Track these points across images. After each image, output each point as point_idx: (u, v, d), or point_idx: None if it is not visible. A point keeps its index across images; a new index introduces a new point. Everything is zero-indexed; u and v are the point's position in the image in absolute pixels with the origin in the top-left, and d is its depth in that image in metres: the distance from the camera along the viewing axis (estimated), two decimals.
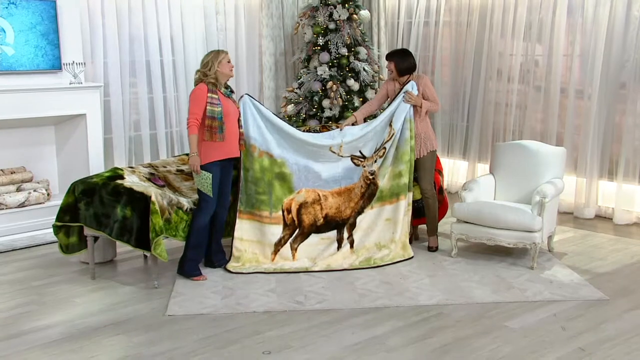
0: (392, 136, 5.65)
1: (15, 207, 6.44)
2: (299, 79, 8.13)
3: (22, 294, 5.00)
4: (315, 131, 6.13)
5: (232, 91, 5.28)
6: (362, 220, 5.65)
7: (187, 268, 5.22)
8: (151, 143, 7.75)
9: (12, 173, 6.65)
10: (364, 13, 8.06)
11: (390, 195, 5.68)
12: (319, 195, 5.57)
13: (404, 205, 5.69)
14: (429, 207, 5.87)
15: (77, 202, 5.18)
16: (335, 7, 7.89)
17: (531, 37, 7.51)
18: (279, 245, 5.49)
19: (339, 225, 5.61)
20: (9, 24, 6.39)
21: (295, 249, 5.50)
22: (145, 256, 5.66)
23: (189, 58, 7.87)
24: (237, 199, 5.51)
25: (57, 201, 6.12)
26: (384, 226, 5.67)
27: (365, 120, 5.87)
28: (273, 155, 5.51)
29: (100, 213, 5.06)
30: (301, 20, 8.17)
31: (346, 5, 7.91)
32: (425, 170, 5.80)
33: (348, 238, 5.61)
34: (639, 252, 5.95)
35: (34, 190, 6.57)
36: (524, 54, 7.59)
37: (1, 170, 6.64)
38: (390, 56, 5.82)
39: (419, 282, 5.17)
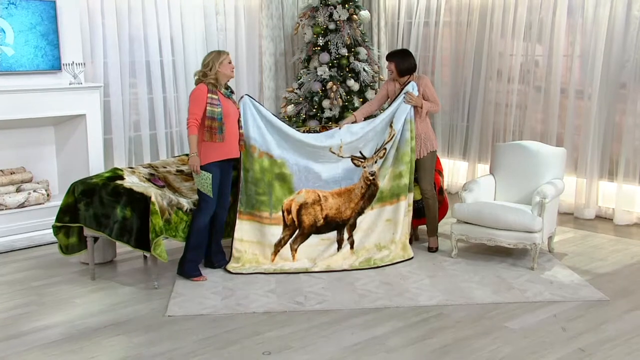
0: (392, 137, 5.64)
1: (15, 208, 6.44)
2: (299, 80, 8.12)
3: (21, 295, 5.00)
4: (315, 132, 6.12)
5: (232, 92, 5.28)
6: (362, 221, 5.64)
7: (187, 269, 5.21)
8: (151, 143, 7.75)
9: (11, 173, 6.65)
10: (364, 13, 8.06)
11: (391, 196, 5.68)
12: (319, 196, 5.56)
13: (404, 206, 5.68)
14: (429, 208, 5.86)
15: (76, 203, 5.17)
16: (335, 8, 7.89)
17: (531, 37, 7.51)
18: (279, 246, 5.48)
19: (339, 226, 5.61)
20: (8, 24, 6.39)
21: (295, 250, 5.50)
22: (145, 257, 5.66)
23: (188, 58, 7.86)
24: (237, 200, 5.51)
25: (57, 202, 6.11)
26: (384, 227, 5.67)
27: (365, 120, 5.86)
28: (273, 155, 5.51)
29: (100, 213, 5.06)
30: (301, 20, 8.17)
31: (346, 5, 7.91)
32: (425, 171, 5.80)
33: (348, 239, 5.61)
34: (639, 253, 5.94)
35: (34, 191, 6.57)
36: (524, 54, 7.59)
37: (1, 170, 6.63)
38: (390, 56, 5.82)
39: (419, 282, 5.16)
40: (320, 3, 7.96)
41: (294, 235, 5.52)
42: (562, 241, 6.27)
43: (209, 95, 5.01)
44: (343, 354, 4.00)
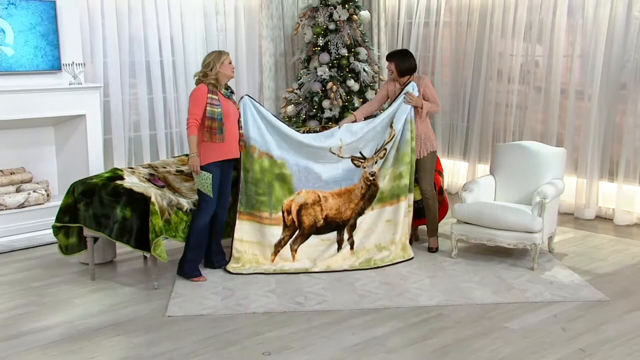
0: (392, 137, 5.64)
1: (15, 208, 6.43)
2: (299, 80, 8.12)
3: (21, 295, 5.00)
4: (315, 132, 6.12)
5: (232, 92, 5.28)
6: (363, 222, 5.64)
7: (187, 269, 5.21)
8: (151, 144, 7.74)
9: (11, 174, 6.64)
10: (364, 14, 8.05)
11: (391, 196, 5.67)
12: (319, 196, 5.56)
13: (405, 207, 5.68)
14: (429, 208, 5.86)
15: (76, 203, 5.17)
16: (335, 8, 7.89)
17: (531, 37, 7.50)
18: (279, 246, 5.48)
19: (339, 226, 5.60)
20: (8, 24, 6.39)
21: (295, 250, 5.50)
22: (145, 257, 5.66)
23: (188, 59, 7.86)
24: (237, 200, 5.51)
25: (57, 202, 6.11)
26: (384, 227, 5.66)
27: (364, 120, 5.86)
28: (273, 156, 5.50)
29: (99, 214, 5.06)
30: (301, 20, 8.16)
31: (346, 5, 7.90)
32: (425, 171, 5.80)
33: (348, 239, 5.60)
34: (639, 253, 5.96)
35: (34, 191, 6.57)
36: (524, 54, 7.59)
37: (1, 171, 6.63)
38: (390, 57, 5.82)
39: (419, 283, 5.16)
40: (320, 3, 7.96)
41: (294, 236, 5.51)
42: (562, 241, 6.26)
43: (209, 95, 5.00)
44: (343, 355, 4.00)
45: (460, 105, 8.25)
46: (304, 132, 5.80)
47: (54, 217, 5.34)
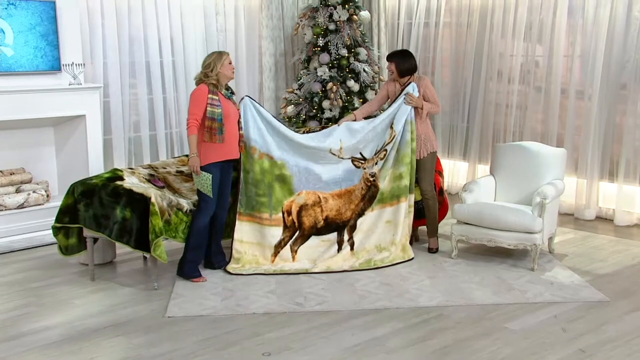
0: (393, 138, 5.63)
1: (15, 209, 6.43)
2: (299, 80, 8.12)
3: (21, 296, 4.99)
4: (315, 132, 6.11)
5: (232, 92, 5.28)
6: (363, 223, 5.64)
7: (187, 269, 5.21)
8: (151, 144, 7.74)
9: (11, 174, 6.64)
10: (364, 14, 8.05)
11: (391, 197, 5.67)
12: (319, 197, 5.55)
13: (405, 208, 5.67)
14: (429, 209, 5.86)
15: (76, 204, 5.17)
16: (335, 8, 7.88)
17: (531, 37, 7.50)
18: (279, 247, 5.47)
19: (339, 227, 5.60)
20: (8, 24, 6.38)
21: (295, 251, 5.49)
22: (145, 257, 5.65)
23: (188, 59, 7.86)
24: (237, 201, 5.50)
25: (57, 202, 6.10)
26: (385, 228, 5.66)
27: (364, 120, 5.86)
28: (273, 157, 5.50)
29: (99, 214, 5.05)
30: (301, 21, 8.16)
31: (346, 6, 7.90)
32: (425, 172, 5.79)
33: (348, 240, 5.60)
34: None
35: (33, 192, 6.56)
36: (524, 54, 7.58)
37: (0, 171, 6.63)
38: (391, 57, 5.82)
39: (419, 283, 5.16)
40: (320, 3, 7.96)
41: (294, 237, 5.51)
42: (563, 242, 6.26)
43: (210, 95, 5.00)
44: (343, 355, 3.99)
45: (461, 106, 8.25)
46: (304, 133, 5.79)
47: (54, 218, 5.33)
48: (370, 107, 5.96)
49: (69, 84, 6.67)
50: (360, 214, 5.63)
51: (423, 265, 5.57)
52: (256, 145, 5.47)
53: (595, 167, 7.02)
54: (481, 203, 5.72)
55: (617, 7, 6.73)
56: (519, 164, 5.95)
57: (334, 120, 7.78)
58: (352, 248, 5.58)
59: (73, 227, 5.29)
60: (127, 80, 7.50)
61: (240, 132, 5.26)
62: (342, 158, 5.60)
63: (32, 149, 6.93)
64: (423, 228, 6.16)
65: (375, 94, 7.75)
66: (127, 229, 4.94)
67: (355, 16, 7.90)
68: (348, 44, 7.90)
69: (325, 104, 7.84)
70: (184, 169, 5.80)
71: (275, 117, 5.63)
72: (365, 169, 5.63)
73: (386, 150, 5.65)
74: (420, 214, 5.94)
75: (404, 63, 5.73)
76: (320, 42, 7.91)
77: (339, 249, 5.56)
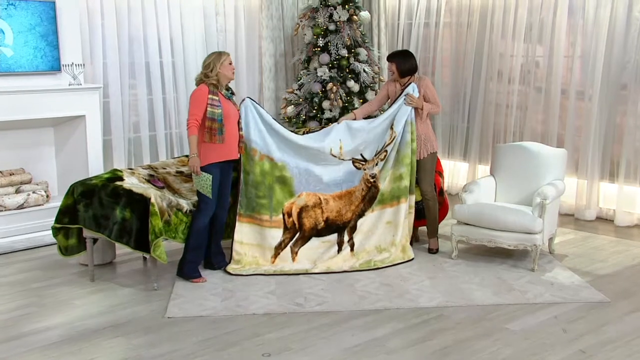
0: (393, 139, 5.63)
1: (14, 209, 6.42)
2: (299, 80, 8.12)
3: (21, 296, 4.99)
4: (315, 132, 6.10)
5: (232, 93, 5.28)
6: (363, 224, 5.63)
7: (187, 270, 5.20)
8: (150, 144, 7.74)
9: (11, 175, 6.64)
10: (364, 14, 8.05)
11: (391, 198, 5.66)
12: (319, 198, 5.55)
13: (405, 208, 5.67)
14: (429, 209, 5.85)
15: (76, 204, 5.16)
16: (335, 8, 7.88)
17: (532, 38, 7.50)
18: (279, 248, 5.47)
19: (340, 228, 5.59)
20: (8, 25, 6.38)
21: (296, 253, 5.49)
22: (145, 258, 5.64)
23: (188, 59, 7.85)
24: (237, 201, 5.50)
25: (56, 203, 6.10)
26: (385, 229, 5.65)
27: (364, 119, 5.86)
28: (274, 158, 5.49)
29: (99, 215, 5.05)
30: (301, 21, 8.15)
31: (346, 6, 7.90)
32: (425, 172, 5.79)
33: (348, 241, 5.60)
34: None
35: (33, 192, 6.56)
36: (524, 55, 7.58)
37: (0, 171, 6.62)
38: (391, 57, 5.81)
39: (419, 284, 5.15)
40: (320, 4, 7.95)
41: (294, 238, 5.50)
42: (563, 242, 6.25)
43: (210, 96, 5.00)
44: (343, 356, 3.99)
45: (461, 106, 8.25)
46: (304, 133, 5.78)
47: (54, 218, 5.33)
48: (371, 107, 5.96)
49: (69, 85, 6.67)
50: (361, 215, 5.63)
51: (423, 265, 5.57)
52: (257, 147, 5.47)
53: (596, 167, 7.02)
54: (481, 204, 5.72)
55: (617, 8, 6.72)
56: (519, 164, 5.95)
57: (334, 121, 7.75)
58: (352, 249, 5.58)
59: (73, 228, 5.28)
60: (127, 80, 7.49)
61: (240, 132, 5.26)
62: (342, 159, 5.60)
63: (32, 149, 6.92)
64: (423, 229, 6.16)
65: (376, 95, 7.75)
66: (127, 230, 4.94)
67: (355, 16, 7.90)
68: (348, 44, 7.89)
69: (325, 104, 7.84)
70: (183, 169, 5.80)
71: (275, 120, 5.62)
72: (365, 170, 5.63)
73: (386, 151, 5.64)
74: (420, 214, 5.94)
75: (404, 63, 5.73)
76: (320, 42, 7.90)
77: (339, 249, 5.56)
